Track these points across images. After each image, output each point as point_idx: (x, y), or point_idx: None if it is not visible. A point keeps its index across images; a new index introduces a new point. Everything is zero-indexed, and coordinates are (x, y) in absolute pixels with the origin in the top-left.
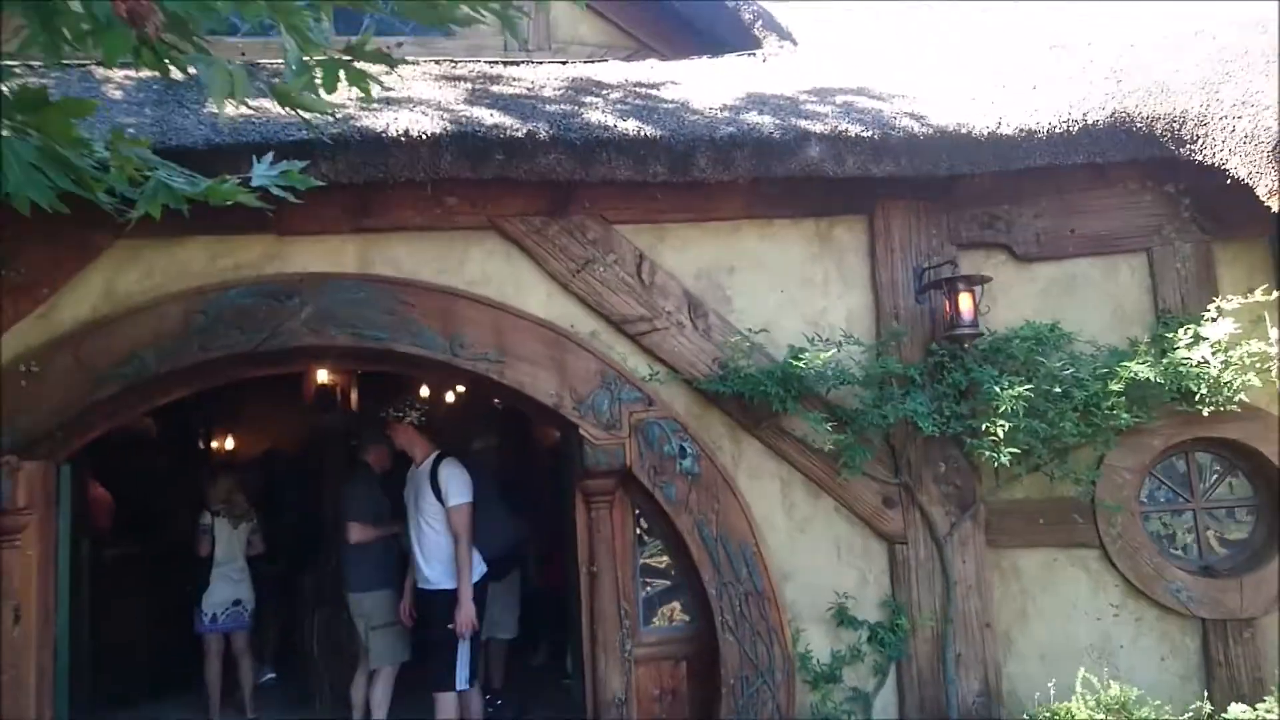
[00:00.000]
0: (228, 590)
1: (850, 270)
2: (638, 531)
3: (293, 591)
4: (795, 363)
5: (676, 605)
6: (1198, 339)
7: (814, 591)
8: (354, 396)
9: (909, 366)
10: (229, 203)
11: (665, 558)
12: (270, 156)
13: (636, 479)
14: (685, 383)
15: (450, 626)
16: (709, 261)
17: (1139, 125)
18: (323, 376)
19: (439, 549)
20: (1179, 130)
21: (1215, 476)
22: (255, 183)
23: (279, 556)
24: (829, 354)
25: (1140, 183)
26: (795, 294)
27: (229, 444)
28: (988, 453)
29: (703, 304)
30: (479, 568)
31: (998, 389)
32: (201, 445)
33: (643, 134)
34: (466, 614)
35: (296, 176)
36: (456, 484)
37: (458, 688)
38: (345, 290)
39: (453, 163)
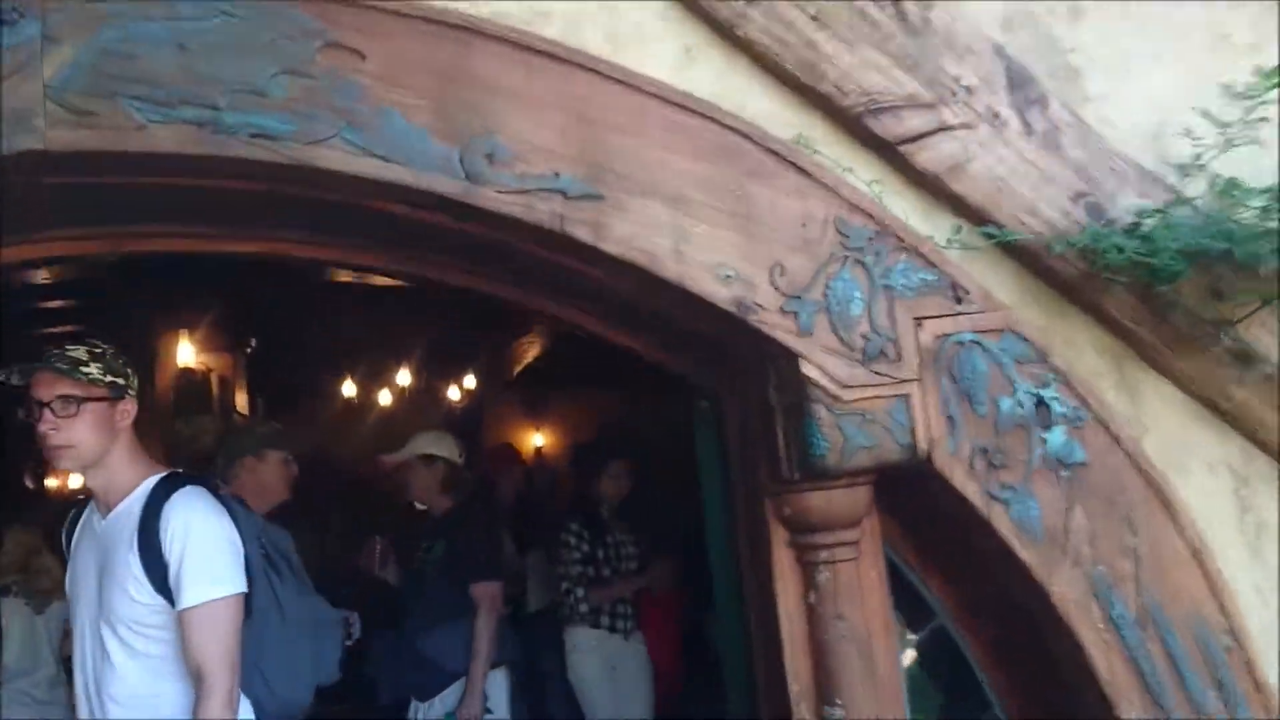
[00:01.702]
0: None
1: None
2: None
3: None
4: None
5: None
6: None
7: None
8: (240, 391)
9: None
10: None
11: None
12: None
13: (931, 480)
14: (1016, 251)
15: None
16: None
17: None
18: (185, 355)
19: (139, 695)
20: None
21: None
22: None
23: None
24: None
25: None
26: (1198, 64)
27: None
28: None
29: (1033, 80)
30: None
31: None
32: (31, 484)
33: None
34: None
35: None
36: (211, 552)
37: None
38: (168, 7)
39: None
